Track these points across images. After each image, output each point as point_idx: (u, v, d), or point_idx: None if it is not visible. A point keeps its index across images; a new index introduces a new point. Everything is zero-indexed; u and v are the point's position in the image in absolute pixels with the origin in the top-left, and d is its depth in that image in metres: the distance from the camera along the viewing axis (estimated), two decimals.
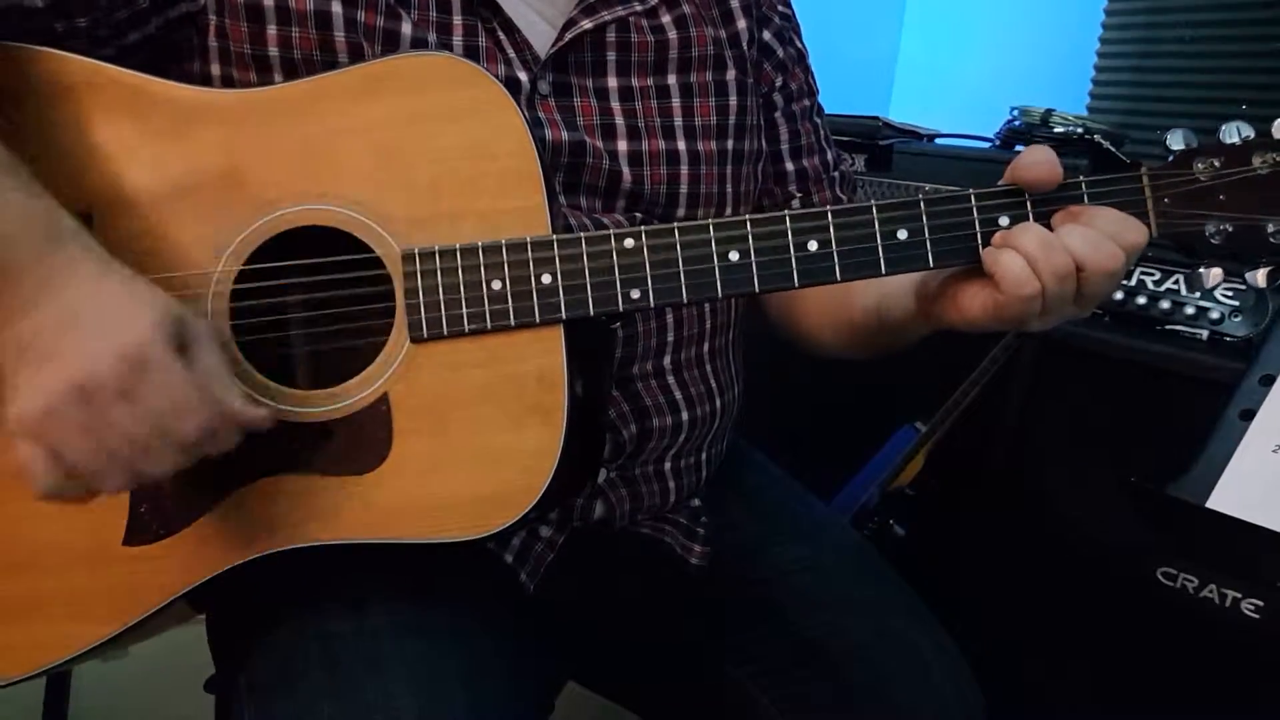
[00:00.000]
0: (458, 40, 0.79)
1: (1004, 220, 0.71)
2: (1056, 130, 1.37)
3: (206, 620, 0.88)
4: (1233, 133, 0.69)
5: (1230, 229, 0.70)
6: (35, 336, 0.61)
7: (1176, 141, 0.70)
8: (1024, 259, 0.68)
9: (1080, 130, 1.36)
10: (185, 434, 0.62)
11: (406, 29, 0.77)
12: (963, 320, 0.73)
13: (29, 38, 0.71)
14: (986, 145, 1.52)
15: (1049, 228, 0.69)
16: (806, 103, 0.99)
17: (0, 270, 0.61)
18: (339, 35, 0.76)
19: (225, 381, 0.65)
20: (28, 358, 0.61)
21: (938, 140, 1.60)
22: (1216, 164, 0.69)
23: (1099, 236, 0.68)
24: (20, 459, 0.62)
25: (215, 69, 0.77)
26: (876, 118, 1.57)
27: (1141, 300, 1.15)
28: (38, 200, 0.64)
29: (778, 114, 0.96)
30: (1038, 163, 0.70)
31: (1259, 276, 0.71)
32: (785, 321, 1.01)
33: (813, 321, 0.97)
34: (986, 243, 0.71)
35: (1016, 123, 1.46)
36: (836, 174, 1.01)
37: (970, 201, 0.71)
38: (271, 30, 0.76)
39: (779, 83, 0.96)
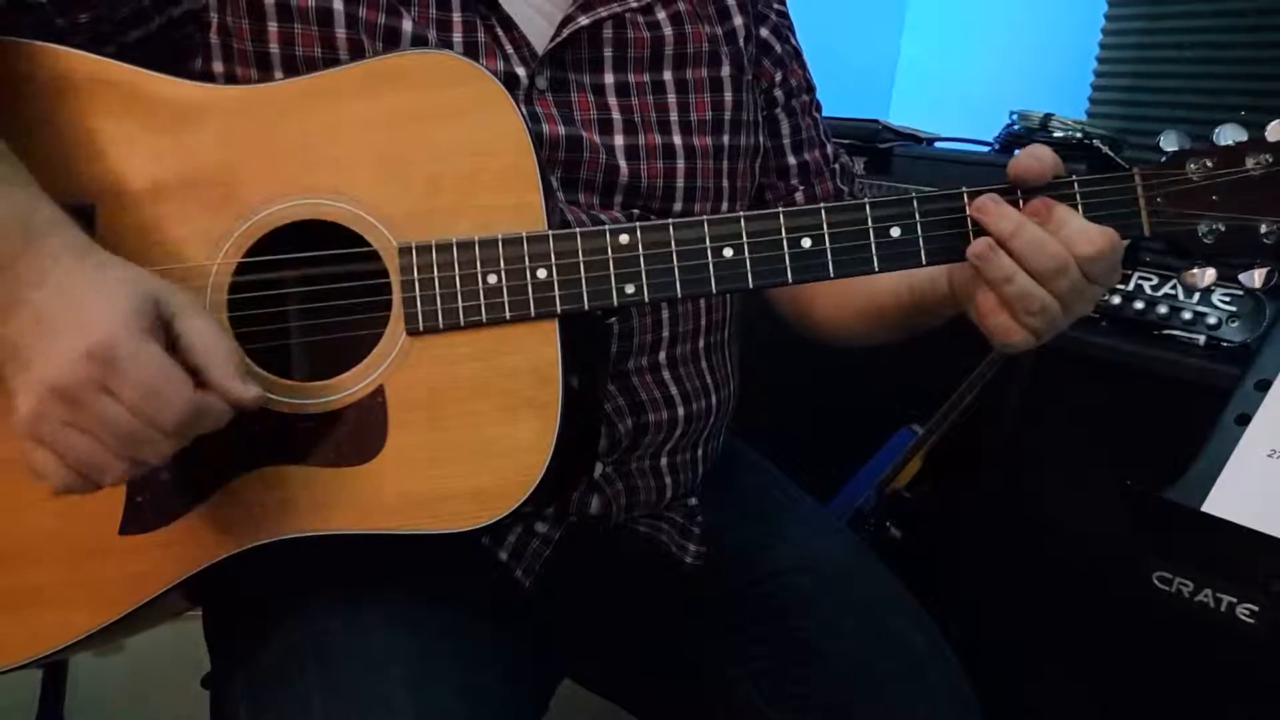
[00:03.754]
0: (457, 37, 0.80)
1: None
2: (1056, 135, 1.38)
3: (203, 616, 0.88)
4: (1226, 135, 0.70)
5: (1223, 229, 0.70)
6: (17, 340, 0.62)
7: (1170, 142, 0.71)
8: (995, 238, 0.69)
9: (1079, 135, 1.36)
10: (169, 421, 0.62)
11: (407, 25, 0.78)
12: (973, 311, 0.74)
13: (30, 34, 0.71)
14: (986, 149, 1.52)
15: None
16: (806, 98, 1.00)
17: None
18: (340, 32, 0.77)
19: (216, 354, 0.64)
20: (16, 363, 0.62)
21: (937, 144, 1.61)
22: (1209, 164, 0.70)
23: (1048, 240, 0.69)
24: (29, 462, 0.63)
25: (218, 66, 0.78)
26: (876, 121, 1.57)
27: (1139, 305, 1.16)
28: (19, 191, 0.64)
29: (779, 109, 0.97)
30: (1026, 157, 0.71)
31: (1255, 277, 0.71)
32: (797, 315, 1.02)
33: (830, 313, 0.98)
34: (977, 238, 0.71)
35: (1016, 127, 1.47)
36: (837, 166, 1.02)
37: (963, 199, 0.72)
38: (273, 27, 0.76)
39: (778, 78, 0.97)
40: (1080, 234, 0.69)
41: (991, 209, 0.70)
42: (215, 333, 0.65)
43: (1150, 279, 1.16)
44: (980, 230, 0.71)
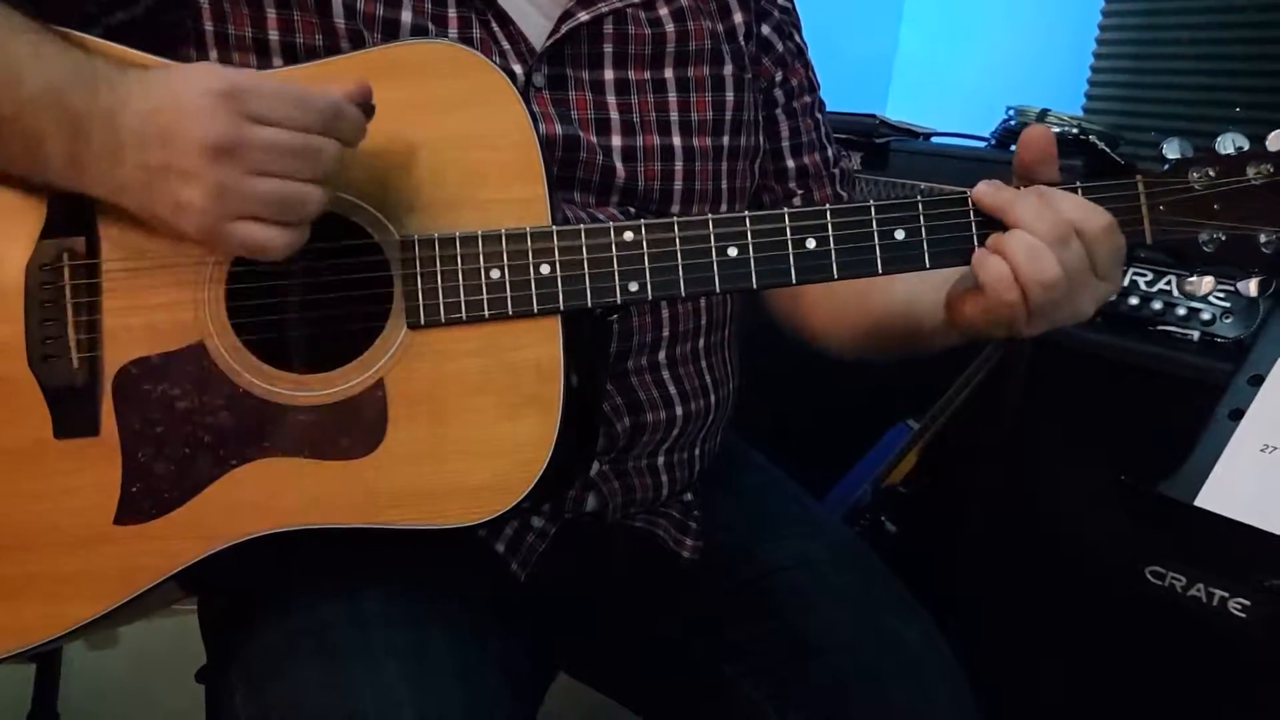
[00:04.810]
0: (452, 32, 0.79)
1: None
2: (1052, 130, 1.37)
3: (198, 608, 0.88)
4: (1228, 144, 0.70)
5: (1224, 238, 0.71)
6: (147, 156, 0.62)
7: (1172, 150, 0.71)
8: (1009, 266, 0.68)
9: (1075, 131, 1.36)
10: (320, 113, 0.63)
11: (406, 17, 0.77)
12: (964, 322, 0.74)
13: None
14: (982, 145, 1.52)
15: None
16: (807, 99, 0.99)
17: (71, 119, 0.63)
18: (339, 22, 0.76)
19: (304, 90, 0.64)
20: (158, 174, 0.62)
21: (934, 139, 1.61)
22: (1212, 174, 0.70)
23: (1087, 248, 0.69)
24: (242, 247, 0.64)
25: (212, 54, 0.76)
26: (873, 115, 1.57)
27: (1133, 301, 1.16)
28: (63, 48, 0.65)
29: (778, 110, 0.96)
30: (1030, 134, 0.72)
31: (1250, 286, 0.72)
32: (792, 321, 1.01)
33: (824, 322, 0.97)
34: (983, 244, 0.71)
35: (1012, 122, 1.47)
36: (837, 171, 1.01)
37: (967, 204, 0.71)
38: (271, 14, 0.76)
39: (778, 78, 0.96)
40: (1079, 207, 0.69)
41: (988, 189, 0.71)
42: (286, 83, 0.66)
43: (1145, 275, 1.17)
44: (984, 234, 0.71)
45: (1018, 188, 0.71)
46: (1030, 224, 0.68)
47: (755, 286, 0.72)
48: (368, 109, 0.67)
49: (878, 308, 0.89)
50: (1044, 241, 0.68)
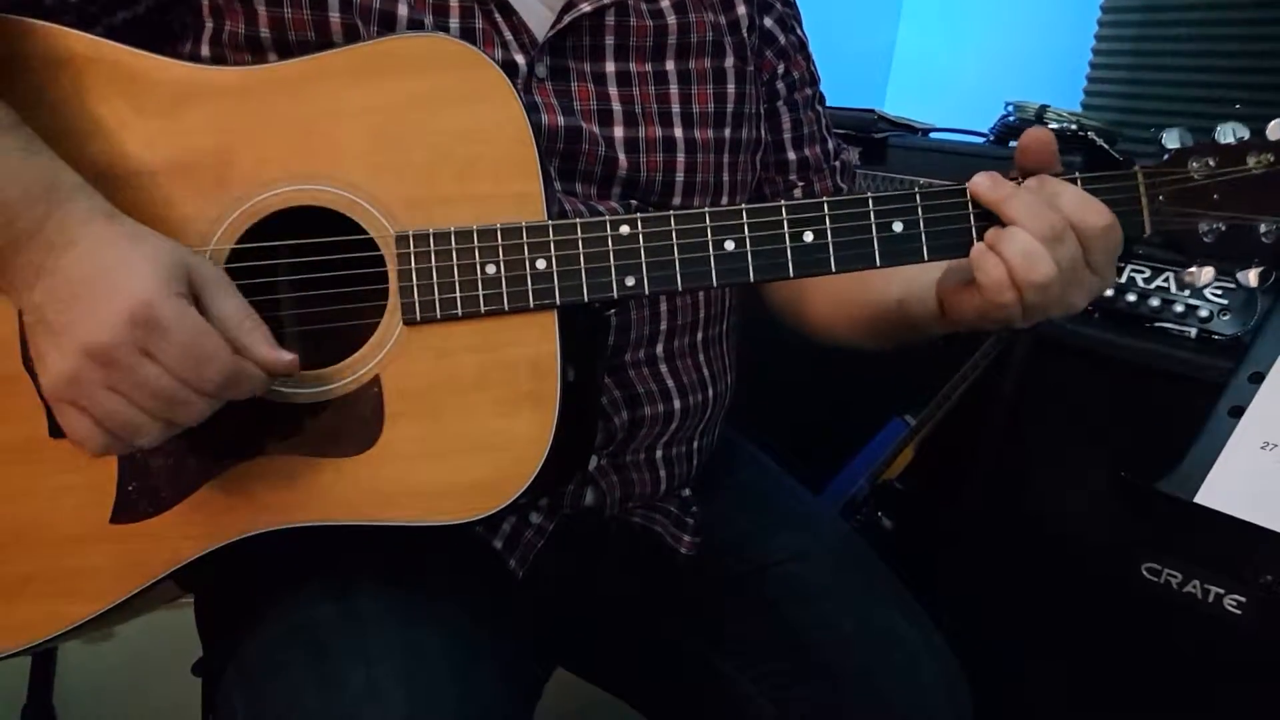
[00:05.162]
0: (454, 22, 0.79)
1: None
2: (1051, 126, 1.37)
3: (194, 603, 0.88)
4: (1228, 133, 0.70)
5: (1223, 228, 0.70)
6: (48, 306, 0.62)
7: (1172, 140, 0.71)
8: (1006, 267, 0.68)
9: (1074, 127, 1.36)
10: (209, 382, 0.63)
11: (403, 10, 0.77)
12: (959, 317, 0.74)
13: (17, 12, 0.70)
14: (981, 140, 1.52)
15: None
16: (809, 91, 0.99)
17: (8, 240, 0.62)
18: (334, 16, 0.76)
19: (247, 325, 0.65)
20: (46, 328, 0.62)
21: (932, 134, 1.60)
22: (1211, 163, 0.70)
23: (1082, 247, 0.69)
24: (64, 426, 0.64)
25: (206, 50, 0.76)
26: (872, 110, 1.57)
27: (1131, 298, 1.16)
28: (37, 158, 0.64)
29: (780, 103, 0.96)
30: (1030, 133, 0.71)
31: (1250, 276, 0.71)
32: (791, 311, 1.01)
33: (823, 312, 0.98)
34: (980, 237, 0.71)
35: (1011, 118, 1.47)
36: (837, 163, 1.01)
37: (965, 196, 0.71)
38: (264, 10, 0.75)
39: (781, 70, 0.96)
40: (1078, 203, 0.69)
41: (986, 182, 0.70)
42: (245, 305, 0.66)
43: (1143, 271, 1.16)
44: (981, 226, 0.71)
45: (1016, 180, 0.71)
46: (1025, 221, 0.68)
47: (753, 280, 0.72)
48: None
49: (875, 297, 0.89)
50: (1039, 239, 0.68)
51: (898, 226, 0.71)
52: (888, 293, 0.87)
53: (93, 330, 0.61)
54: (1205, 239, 0.70)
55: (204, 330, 0.63)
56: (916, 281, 0.82)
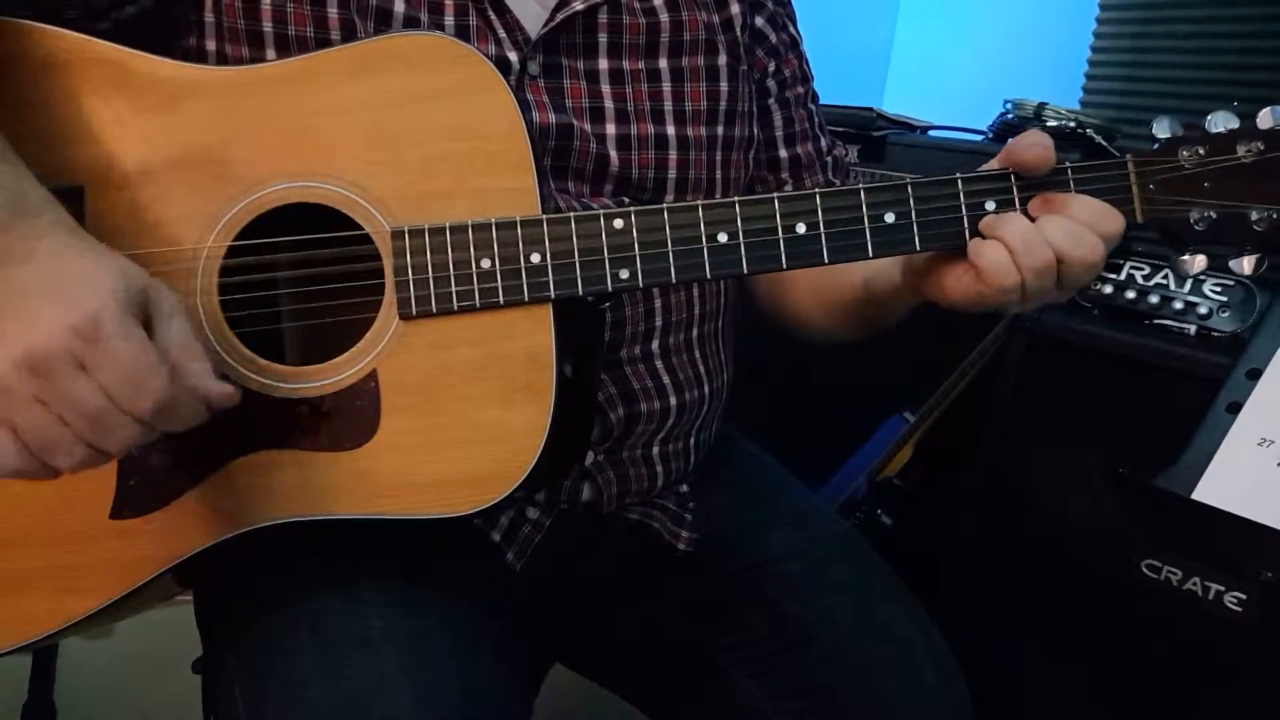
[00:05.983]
0: (449, 20, 0.79)
1: (990, 205, 0.72)
2: (1049, 124, 1.37)
3: (194, 599, 0.88)
4: (1218, 122, 0.70)
5: (1215, 216, 0.70)
6: (11, 292, 0.58)
7: (1162, 129, 0.71)
8: (1007, 252, 0.69)
9: (1073, 124, 1.36)
10: (143, 406, 0.59)
11: (399, 7, 0.78)
12: (945, 300, 0.74)
13: (25, 10, 0.71)
14: (979, 138, 1.52)
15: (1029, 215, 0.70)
16: (800, 89, 0.99)
17: None
18: (333, 12, 0.77)
19: (191, 353, 0.62)
20: None
21: (931, 132, 1.60)
22: (1202, 152, 0.70)
23: (1079, 229, 0.69)
24: None
25: (210, 44, 0.77)
26: (870, 108, 1.57)
27: (1130, 295, 1.16)
28: (9, 169, 0.62)
29: (771, 101, 0.97)
30: (1033, 144, 0.71)
31: (1245, 264, 0.72)
32: (774, 306, 1.01)
33: (803, 304, 0.98)
34: (973, 226, 0.71)
35: (1009, 116, 1.47)
36: (830, 159, 1.01)
37: (957, 186, 0.72)
38: (266, 4, 0.76)
39: (771, 69, 0.96)
40: (1065, 234, 0.69)
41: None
42: (194, 336, 0.63)
43: (1142, 269, 1.16)
44: (974, 215, 0.71)
45: (1007, 170, 0.72)
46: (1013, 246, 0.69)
47: (746, 272, 0.72)
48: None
49: (845, 280, 0.89)
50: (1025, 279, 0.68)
51: (890, 217, 0.71)
52: (855, 274, 0.87)
53: (32, 338, 0.57)
54: (1197, 227, 0.70)
55: (146, 351, 0.59)
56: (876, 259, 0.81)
